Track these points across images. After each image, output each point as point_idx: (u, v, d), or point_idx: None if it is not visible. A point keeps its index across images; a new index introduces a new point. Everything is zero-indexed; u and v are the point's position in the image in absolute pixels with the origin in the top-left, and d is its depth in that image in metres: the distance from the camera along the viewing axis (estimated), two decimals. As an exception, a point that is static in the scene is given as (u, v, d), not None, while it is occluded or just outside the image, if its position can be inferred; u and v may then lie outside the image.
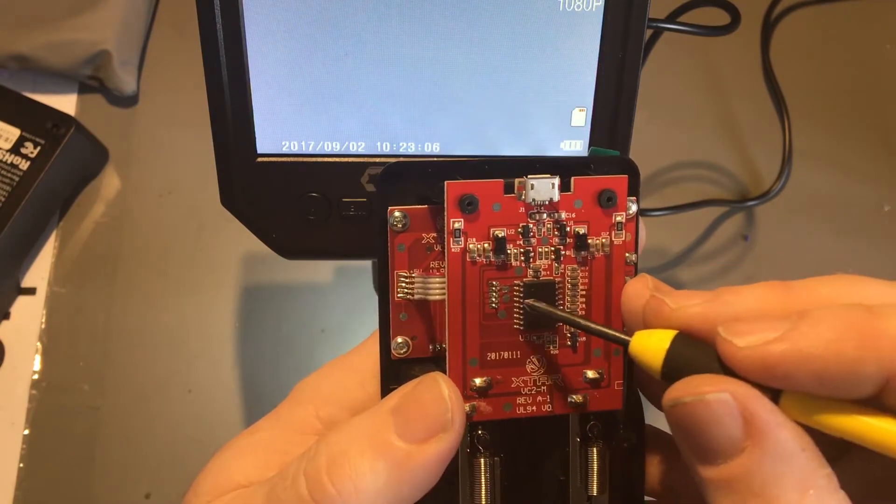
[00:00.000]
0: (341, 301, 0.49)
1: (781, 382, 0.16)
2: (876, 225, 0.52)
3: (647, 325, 0.19)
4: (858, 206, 0.52)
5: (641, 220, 0.22)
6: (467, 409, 0.21)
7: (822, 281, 0.18)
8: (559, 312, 0.21)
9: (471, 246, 0.20)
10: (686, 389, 0.16)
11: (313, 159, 0.30)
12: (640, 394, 0.23)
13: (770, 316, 0.17)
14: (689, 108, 0.54)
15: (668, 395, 0.17)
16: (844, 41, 0.56)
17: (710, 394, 0.16)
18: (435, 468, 0.19)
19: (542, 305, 0.21)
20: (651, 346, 0.18)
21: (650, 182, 0.52)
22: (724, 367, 0.17)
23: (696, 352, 0.18)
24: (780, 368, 0.16)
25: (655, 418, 0.25)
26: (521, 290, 0.21)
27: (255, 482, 0.20)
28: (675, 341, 0.18)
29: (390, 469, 0.18)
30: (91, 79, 0.52)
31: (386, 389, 0.22)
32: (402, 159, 0.30)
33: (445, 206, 0.20)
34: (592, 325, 0.20)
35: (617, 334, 0.19)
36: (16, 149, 0.47)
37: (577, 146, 0.31)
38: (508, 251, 0.21)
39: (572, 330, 0.21)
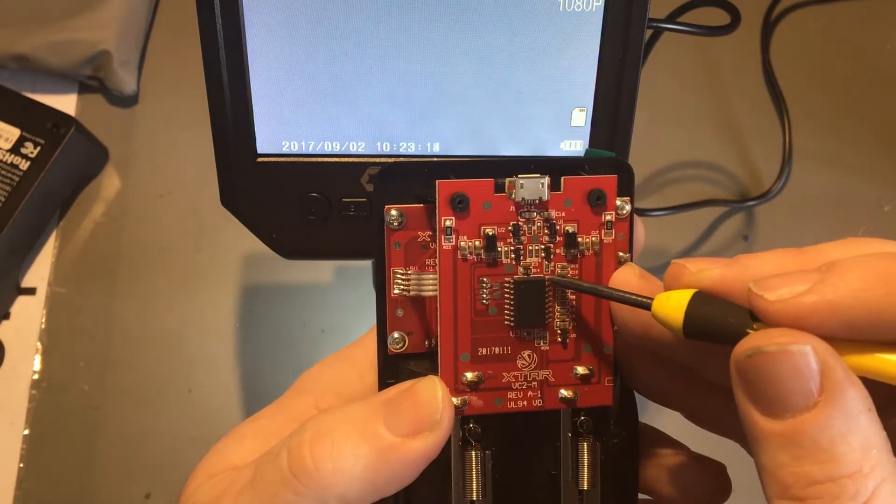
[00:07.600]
0: (341, 301, 0.49)
1: (811, 332, 0.16)
2: (876, 225, 0.52)
3: (667, 290, 0.19)
4: (858, 206, 0.52)
5: (639, 220, 0.23)
6: (458, 402, 0.21)
7: (835, 244, 0.18)
8: (584, 284, 0.21)
9: (462, 244, 0.21)
10: (769, 339, 0.16)
11: (313, 159, 0.30)
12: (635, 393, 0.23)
13: (798, 270, 0.17)
14: (689, 108, 0.54)
15: (747, 343, 0.17)
16: (844, 41, 0.56)
17: (794, 345, 0.16)
18: (414, 464, 0.19)
19: (567, 279, 0.21)
20: (671, 305, 0.18)
21: (650, 182, 0.52)
22: (751, 319, 0.17)
23: (716, 307, 0.18)
24: (810, 319, 0.16)
25: (653, 417, 0.25)
26: (512, 287, 0.21)
27: (249, 464, 0.21)
28: (695, 299, 0.18)
29: (371, 456, 0.19)
30: (91, 79, 0.52)
31: (383, 383, 0.22)
32: (401, 159, 0.30)
33: (437, 204, 0.21)
34: (615, 293, 0.20)
35: (639, 298, 0.20)
36: (16, 149, 0.47)
37: (577, 146, 0.31)
38: (499, 249, 0.21)
39: (563, 326, 0.22)
